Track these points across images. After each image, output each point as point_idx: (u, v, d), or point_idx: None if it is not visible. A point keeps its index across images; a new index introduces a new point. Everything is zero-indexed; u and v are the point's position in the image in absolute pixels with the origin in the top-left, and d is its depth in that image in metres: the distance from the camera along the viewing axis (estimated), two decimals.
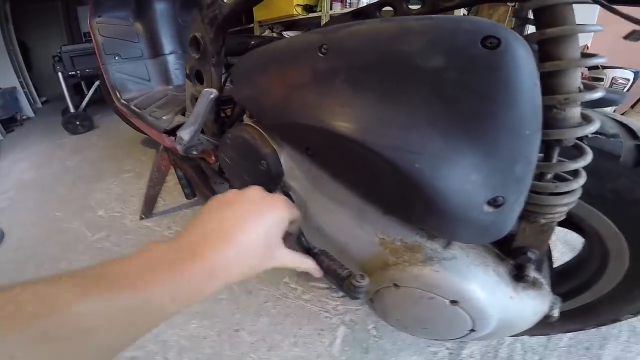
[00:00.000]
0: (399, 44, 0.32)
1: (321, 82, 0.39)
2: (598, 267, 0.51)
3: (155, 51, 1.49)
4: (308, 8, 2.74)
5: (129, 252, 0.27)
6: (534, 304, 0.42)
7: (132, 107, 1.27)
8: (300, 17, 2.74)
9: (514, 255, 0.41)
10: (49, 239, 1.28)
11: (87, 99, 2.76)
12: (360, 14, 0.63)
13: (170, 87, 1.50)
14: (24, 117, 3.25)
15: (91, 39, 1.41)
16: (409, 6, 0.57)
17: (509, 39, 0.28)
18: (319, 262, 0.43)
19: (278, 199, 0.37)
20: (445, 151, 0.31)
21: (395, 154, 0.33)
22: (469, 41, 0.29)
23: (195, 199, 1.39)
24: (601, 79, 1.48)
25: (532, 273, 0.41)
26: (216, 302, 0.88)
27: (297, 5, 2.71)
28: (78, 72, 2.62)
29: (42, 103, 3.97)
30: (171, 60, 1.50)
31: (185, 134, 0.70)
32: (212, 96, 0.67)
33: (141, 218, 1.37)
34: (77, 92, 2.87)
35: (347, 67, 0.36)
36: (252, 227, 0.32)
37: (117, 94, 1.38)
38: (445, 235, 0.40)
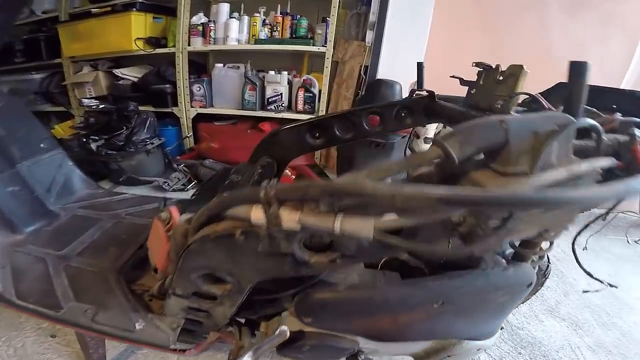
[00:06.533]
0: None
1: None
2: None
3: None
4: (154, 42, 2.28)
5: None
6: None
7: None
8: (143, 52, 2.23)
9: None
10: None
11: None
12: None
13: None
14: None
15: None
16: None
17: None
18: None
19: None
20: None
21: None
22: None
23: None
24: None
25: None
26: None
27: (138, 39, 2.19)
28: None
29: None
30: None
31: None
32: (287, 335, 0.60)
33: None
34: None
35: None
36: None
37: None
38: None
